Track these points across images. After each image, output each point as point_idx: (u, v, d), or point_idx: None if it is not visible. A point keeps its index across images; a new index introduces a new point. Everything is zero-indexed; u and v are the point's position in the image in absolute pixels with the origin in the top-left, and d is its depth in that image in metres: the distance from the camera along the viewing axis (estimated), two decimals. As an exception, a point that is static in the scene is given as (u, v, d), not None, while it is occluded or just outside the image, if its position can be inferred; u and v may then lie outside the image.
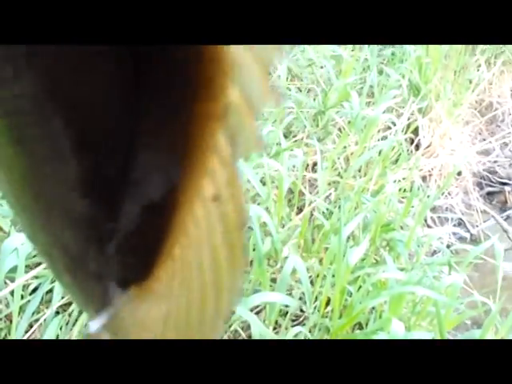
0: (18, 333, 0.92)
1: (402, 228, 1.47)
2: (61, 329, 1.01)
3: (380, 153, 1.69)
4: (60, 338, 1.00)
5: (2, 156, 0.17)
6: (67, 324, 1.03)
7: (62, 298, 1.03)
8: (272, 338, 1.03)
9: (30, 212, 0.19)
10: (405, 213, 1.43)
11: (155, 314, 0.23)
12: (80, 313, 1.07)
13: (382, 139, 1.80)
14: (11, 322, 0.94)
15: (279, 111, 1.77)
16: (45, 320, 1.00)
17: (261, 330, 0.80)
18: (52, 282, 1.04)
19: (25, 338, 0.98)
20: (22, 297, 0.98)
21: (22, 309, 0.95)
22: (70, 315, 1.05)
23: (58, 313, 1.03)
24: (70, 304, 1.08)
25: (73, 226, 0.19)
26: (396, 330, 0.86)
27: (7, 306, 0.98)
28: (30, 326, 1.00)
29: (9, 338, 0.93)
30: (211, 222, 0.19)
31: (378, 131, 1.82)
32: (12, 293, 0.94)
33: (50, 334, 0.96)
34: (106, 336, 0.23)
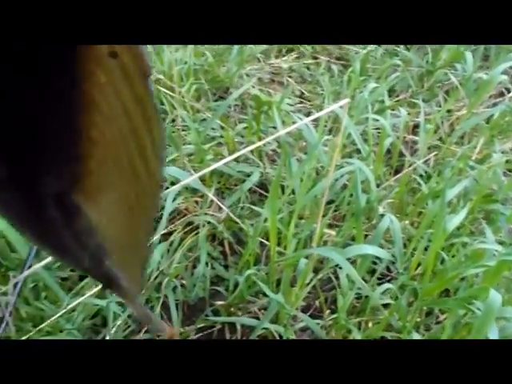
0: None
1: (504, 201, 1.39)
2: (162, 256, 1.10)
3: (488, 120, 1.59)
4: (162, 263, 1.08)
5: None
6: (168, 252, 1.11)
7: (166, 227, 1.11)
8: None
9: None
10: (510, 186, 1.35)
11: (107, 199, 0.25)
12: (180, 243, 1.15)
13: (492, 106, 1.69)
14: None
15: (384, 68, 1.71)
16: (150, 245, 1.09)
17: (353, 277, 0.82)
18: (159, 211, 1.12)
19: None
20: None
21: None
22: (171, 244, 1.13)
23: (160, 241, 1.11)
24: (170, 234, 1.16)
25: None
26: (493, 301, 0.83)
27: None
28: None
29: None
30: (116, 85, 0.21)
31: (490, 97, 1.70)
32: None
33: (154, 258, 1.04)
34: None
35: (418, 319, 1.08)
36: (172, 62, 1.34)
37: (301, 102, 1.64)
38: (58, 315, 0.90)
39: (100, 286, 0.93)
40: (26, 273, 0.83)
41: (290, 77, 1.74)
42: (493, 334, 0.80)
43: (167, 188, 1.14)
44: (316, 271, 1.09)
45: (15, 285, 0.82)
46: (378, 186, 1.35)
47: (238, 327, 1.03)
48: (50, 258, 0.72)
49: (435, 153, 1.48)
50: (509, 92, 1.68)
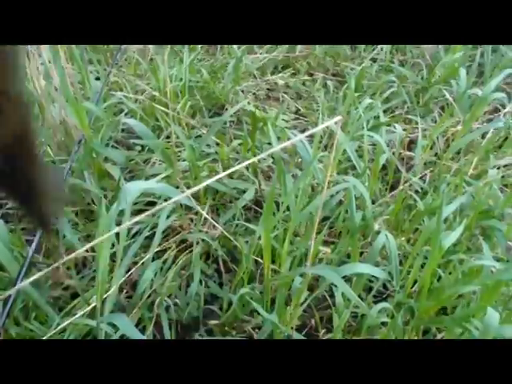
0: (119, 271, 0.99)
1: (501, 217, 1.38)
2: (155, 275, 1.08)
3: (484, 136, 1.59)
4: (155, 282, 1.06)
5: None
6: (161, 270, 1.10)
7: (160, 245, 1.10)
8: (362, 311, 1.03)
9: None
10: (506, 202, 1.34)
11: None
12: (173, 261, 1.13)
13: (487, 122, 1.69)
14: (114, 261, 1.02)
15: (379, 84, 1.72)
16: (143, 263, 1.07)
17: (349, 296, 0.80)
18: (151, 229, 1.11)
19: (124, 277, 1.06)
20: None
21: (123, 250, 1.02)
22: (164, 262, 1.11)
23: (153, 259, 1.09)
24: (164, 251, 1.15)
25: None
26: (490, 320, 0.82)
27: (112, 246, 1.06)
28: (129, 268, 1.08)
29: (111, 275, 1.00)
30: None
31: (485, 113, 1.70)
32: (117, 234, 1.02)
33: (147, 277, 1.03)
34: None
35: (415, 338, 1.07)
36: (167, 79, 1.34)
37: (296, 118, 1.64)
38: (47, 335, 0.88)
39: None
40: (15, 291, 0.82)
41: (285, 93, 1.74)
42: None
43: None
44: (311, 289, 1.08)
45: (4, 304, 0.80)
46: (373, 202, 1.34)
47: (232, 347, 1.01)
48: (38, 275, 0.70)
49: (431, 169, 1.48)
50: (504, 108, 1.69)
